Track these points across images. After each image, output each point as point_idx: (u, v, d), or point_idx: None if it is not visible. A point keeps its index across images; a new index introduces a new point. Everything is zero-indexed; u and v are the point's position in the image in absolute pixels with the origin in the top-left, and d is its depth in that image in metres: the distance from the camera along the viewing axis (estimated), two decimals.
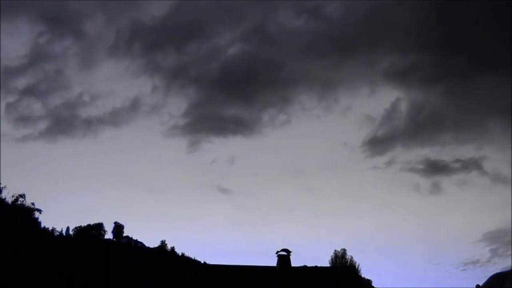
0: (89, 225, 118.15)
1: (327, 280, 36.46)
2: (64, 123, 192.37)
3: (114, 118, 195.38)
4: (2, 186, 51.66)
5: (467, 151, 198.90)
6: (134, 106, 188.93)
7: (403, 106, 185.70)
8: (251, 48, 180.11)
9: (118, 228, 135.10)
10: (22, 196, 52.40)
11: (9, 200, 51.56)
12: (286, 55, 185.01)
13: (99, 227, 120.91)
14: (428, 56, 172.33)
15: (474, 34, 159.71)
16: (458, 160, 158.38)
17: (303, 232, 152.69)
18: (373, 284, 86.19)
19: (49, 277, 47.86)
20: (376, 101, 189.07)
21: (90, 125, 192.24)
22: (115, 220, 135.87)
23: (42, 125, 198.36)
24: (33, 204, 54.02)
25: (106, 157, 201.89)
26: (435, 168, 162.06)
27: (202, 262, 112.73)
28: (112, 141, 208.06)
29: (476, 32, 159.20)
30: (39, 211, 55.06)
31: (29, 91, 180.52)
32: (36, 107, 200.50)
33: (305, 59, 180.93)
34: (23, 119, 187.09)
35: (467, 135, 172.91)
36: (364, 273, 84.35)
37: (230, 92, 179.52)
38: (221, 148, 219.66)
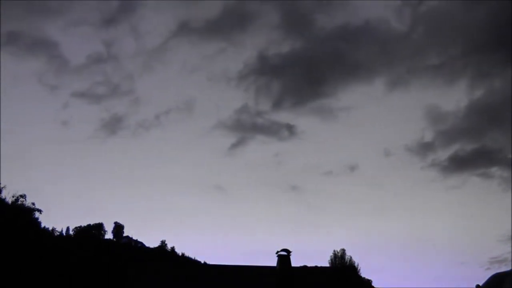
0: (89, 225, 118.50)
1: (327, 280, 36.39)
2: None
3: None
4: (2, 186, 51.74)
5: None
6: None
7: None
8: None
9: (118, 228, 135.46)
10: (23, 196, 52.45)
11: (9, 200, 51.61)
12: None
13: (99, 227, 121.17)
14: None
15: None
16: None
17: (303, 232, 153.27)
18: (373, 284, 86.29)
19: (49, 277, 47.85)
20: None
21: None
22: (115, 220, 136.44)
23: None
24: (33, 204, 54.10)
25: (106, 157, 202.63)
26: (458, 163, 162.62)
27: (202, 262, 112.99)
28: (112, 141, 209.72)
29: None
30: (39, 211, 55.12)
31: None
32: None
33: None
34: None
35: None
36: (364, 273, 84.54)
37: None
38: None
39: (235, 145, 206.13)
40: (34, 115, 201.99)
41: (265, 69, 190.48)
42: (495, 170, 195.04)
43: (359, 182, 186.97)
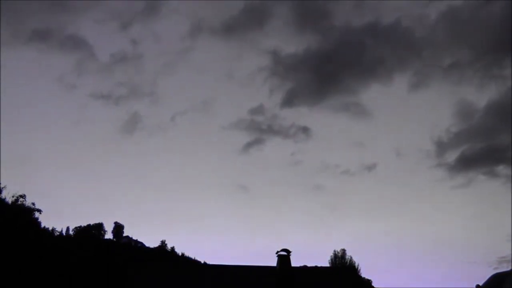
0: (89, 225, 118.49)
1: (327, 280, 36.37)
2: None
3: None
4: (2, 186, 51.71)
5: None
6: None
7: None
8: None
9: (118, 228, 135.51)
10: (23, 196, 52.39)
11: (9, 200, 51.58)
12: None
13: (99, 227, 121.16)
14: None
15: None
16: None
17: (303, 232, 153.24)
18: (373, 284, 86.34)
19: (49, 277, 47.84)
20: None
21: None
22: (115, 220, 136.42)
23: None
24: (33, 204, 54.06)
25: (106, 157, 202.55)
26: (465, 162, 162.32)
27: (202, 262, 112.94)
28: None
29: None
30: (39, 211, 55.06)
31: None
32: None
33: None
34: None
35: None
36: (364, 273, 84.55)
37: None
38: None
39: (250, 145, 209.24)
40: (45, 114, 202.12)
41: (282, 68, 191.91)
42: (501, 169, 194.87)
43: (374, 182, 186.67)
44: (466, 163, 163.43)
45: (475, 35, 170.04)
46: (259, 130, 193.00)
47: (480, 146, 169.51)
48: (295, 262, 36.02)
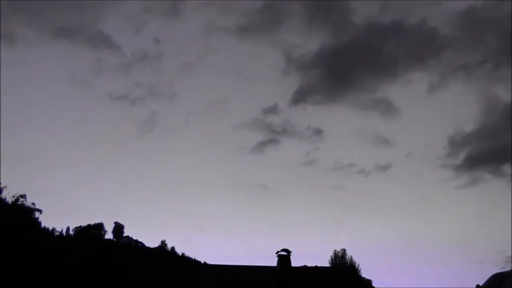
0: (89, 225, 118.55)
1: (327, 280, 36.35)
2: None
3: None
4: (2, 186, 51.70)
5: None
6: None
7: None
8: None
9: (118, 228, 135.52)
10: (23, 196, 52.38)
11: (9, 200, 51.56)
12: None
13: (99, 227, 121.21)
14: None
15: None
16: None
17: (303, 232, 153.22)
18: (373, 284, 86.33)
19: (49, 277, 47.84)
20: None
21: None
22: (115, 220, 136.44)
23: None
24: (33, 204, 54.04)
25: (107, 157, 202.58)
26: (472, 162, 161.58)
27: (202, 262, 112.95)
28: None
29: None
30: (40, 211, 55.04)
31: None
32: None
33: None
34: None
35: None
36: (365, 273, 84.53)
37: None
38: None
39: (263, 144, 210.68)
40: (49, 114, 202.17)
41: (297, 66, 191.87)
42: (506, 168, 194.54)
43: (385, 182, 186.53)
44: (473, 163, 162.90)
45: (492, 35, 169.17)
46: (272, 129, 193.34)
47: (490, 145, 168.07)
48: (295, 262, 36.02)
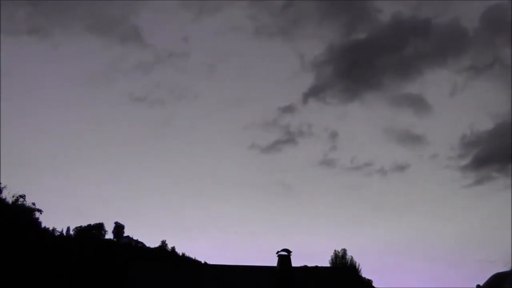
0: (89, 225, 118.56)
1: (327, 280, 36.35)
2: None
3: None
4: (2, 186, 51.73)
5: None
6: None
7: None
8: None
9: (118, 228, 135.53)
10: (23, 196, 52.45)
11: (10, 200, 51.61)
12: None
13: (99, 227, 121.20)
14: None
15: None
16: None
17: (303, 232, 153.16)
18: (373, 284, 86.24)
19: (49, 277, 47.87)
20: None
21: None
22: (115, 220, 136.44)
23: None
24: (33, 204, 54.10)
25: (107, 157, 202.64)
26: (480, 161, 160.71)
27: (202, 262, 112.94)
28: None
29: None
30: (40, 211, 55.11)
31: None
32: None
33: None
34: None
35: None
36: (365, 273, 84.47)
37: None
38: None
39: (278, 143, 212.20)
40: (50, 113, 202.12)
41: (314, 65, 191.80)
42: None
43: (399, 182, 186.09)
44: (481, 162, 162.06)
45: None
46: (288, 129, 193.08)
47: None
48: (295, 262, 36.00)
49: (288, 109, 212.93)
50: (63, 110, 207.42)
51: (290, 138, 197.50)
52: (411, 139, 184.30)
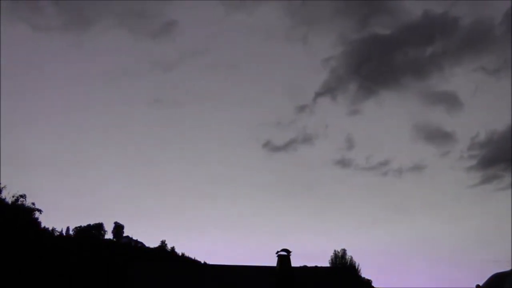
0: (89, 225, 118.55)
1: (327, 280, 36.36)
2: None
3: None
4: (2, 186, 51.70)
5: None
6: None
7: None
8: None
9: (118, 228, 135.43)
10: (23, 196, 52.41)
11: (9, 200, 51.58)
12: None
13: (99, 227, 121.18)
14: None
15: None
16: None
17: (303, 232, 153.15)
18: (373, 284, 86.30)
19: (49, 277, 47.84)
20: None
21: None
22: (115, 220, 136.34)
23: None
24: (33, 204, 54.07)
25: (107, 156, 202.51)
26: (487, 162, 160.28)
27: (202, 262, 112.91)
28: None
29: None
30: (39, 211, 55.08)
31: None
32: None
33: None
34: None
35: None
36: (365, 273, 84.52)
37: None
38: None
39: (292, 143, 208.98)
40: (50, 112, 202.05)
41: (331, 62, 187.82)
42: None
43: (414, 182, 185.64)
44: (487, 163, 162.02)
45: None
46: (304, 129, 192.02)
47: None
48: (295, 262, 36.01)
49: (303, 108, 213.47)
50: (63, 110, 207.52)
51: (305, 138, 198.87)
52: (435, 137, 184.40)
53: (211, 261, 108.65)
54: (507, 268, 24.09)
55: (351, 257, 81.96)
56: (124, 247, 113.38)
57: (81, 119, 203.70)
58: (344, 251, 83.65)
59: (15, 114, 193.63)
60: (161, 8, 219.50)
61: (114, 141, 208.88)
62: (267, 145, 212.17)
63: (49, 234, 76.16)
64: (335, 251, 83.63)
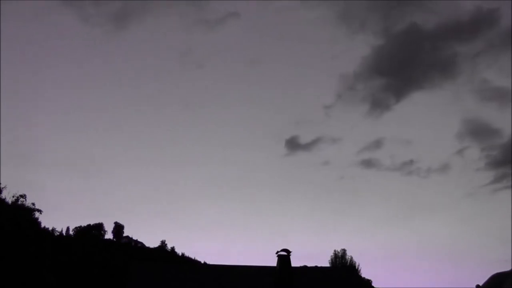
0: (89, 225, 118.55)
1: (327, 280, 36.36)
2: None
3: None
4: (2, 186, 51.73)
5: None
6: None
7: None
8: None
9: (118, 228, 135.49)
10: (23, 196, 52.43)
11: (9, 200, 51.60)
12: None
13: (99, 227, 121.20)
14: None
15: None
16: None
17: (303, 232, 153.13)
18: (373, 284, 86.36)
19: (49, 277, 47.86)
20: None
21: None
22: (115, 220, 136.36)
23: None
24: (33, 204, 54.09)
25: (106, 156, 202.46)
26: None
27: (202, 262, 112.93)
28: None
29: None
30: (39, 211, 55.09)
31: None
32: None
33: None
34: None
35: None
36: (364, 273, 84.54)
37: None
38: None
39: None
40: (50, 112, 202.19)
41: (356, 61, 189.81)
42: None
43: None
44: (495, 164, 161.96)
45: None
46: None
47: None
48: (295, 262, 36.00)
49: (328, 107, 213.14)
50: (63, 110, 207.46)
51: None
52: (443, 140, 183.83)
53: (211, 261, 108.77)
54: (508, 268, 24.17)
55: (351, 257, 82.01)
56: (124, 247, 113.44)
57: (81, 119, 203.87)
58: (344, 251, 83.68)
59: (15, 114, 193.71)
60: None
61: (115, 141, 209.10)
62: (290, 143, 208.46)
63: (49, 234, 76.18)
64: (335, 251, 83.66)
